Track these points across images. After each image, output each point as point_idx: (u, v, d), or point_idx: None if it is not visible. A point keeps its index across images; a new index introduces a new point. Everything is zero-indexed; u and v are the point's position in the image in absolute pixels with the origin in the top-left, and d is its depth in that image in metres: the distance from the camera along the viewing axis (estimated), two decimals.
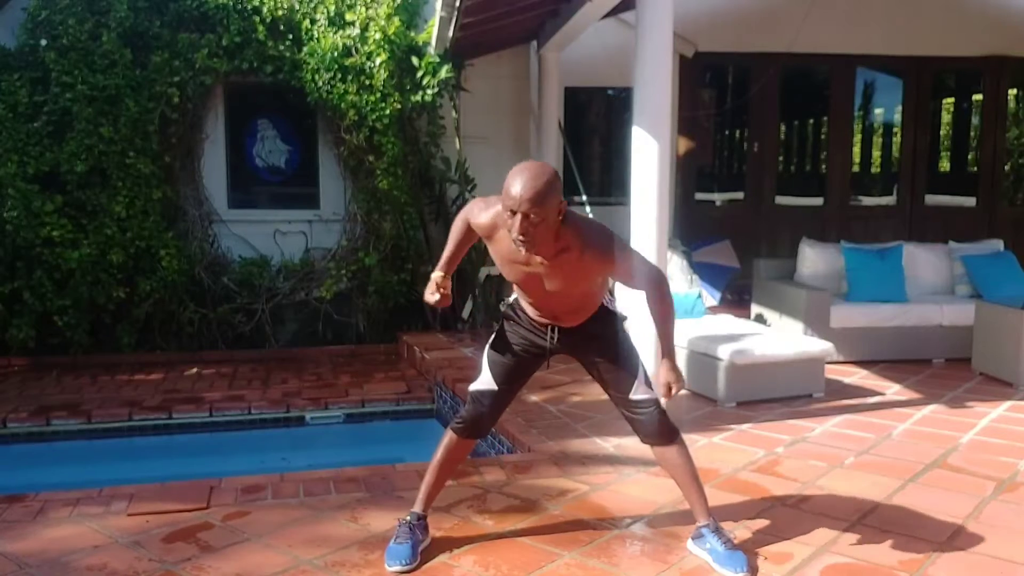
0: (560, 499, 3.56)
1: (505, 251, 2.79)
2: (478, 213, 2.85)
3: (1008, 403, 5.06)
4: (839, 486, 3.71)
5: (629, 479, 3.80)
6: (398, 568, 2.89)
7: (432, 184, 7.73)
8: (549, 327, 2.97)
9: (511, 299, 3.06)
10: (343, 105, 7.07)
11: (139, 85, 6.91)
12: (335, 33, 7.07)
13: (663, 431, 2.99)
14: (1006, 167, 9.84)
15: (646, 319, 2.93)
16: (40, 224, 6.70)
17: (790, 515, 3.39)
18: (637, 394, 2.96)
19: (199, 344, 7.34)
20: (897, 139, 9.69)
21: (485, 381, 3.05)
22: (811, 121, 10.11)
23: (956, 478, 3.81)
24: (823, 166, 9.60)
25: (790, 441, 4.33)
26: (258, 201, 7.89)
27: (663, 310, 2.85)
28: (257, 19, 7.12)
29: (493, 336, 3.09)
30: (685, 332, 5.28)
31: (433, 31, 6.77)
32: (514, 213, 2.55)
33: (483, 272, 7.48)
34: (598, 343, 2.99)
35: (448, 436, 3.11)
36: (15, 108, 6.72)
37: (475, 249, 7.56)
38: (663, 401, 2.95)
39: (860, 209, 9.62)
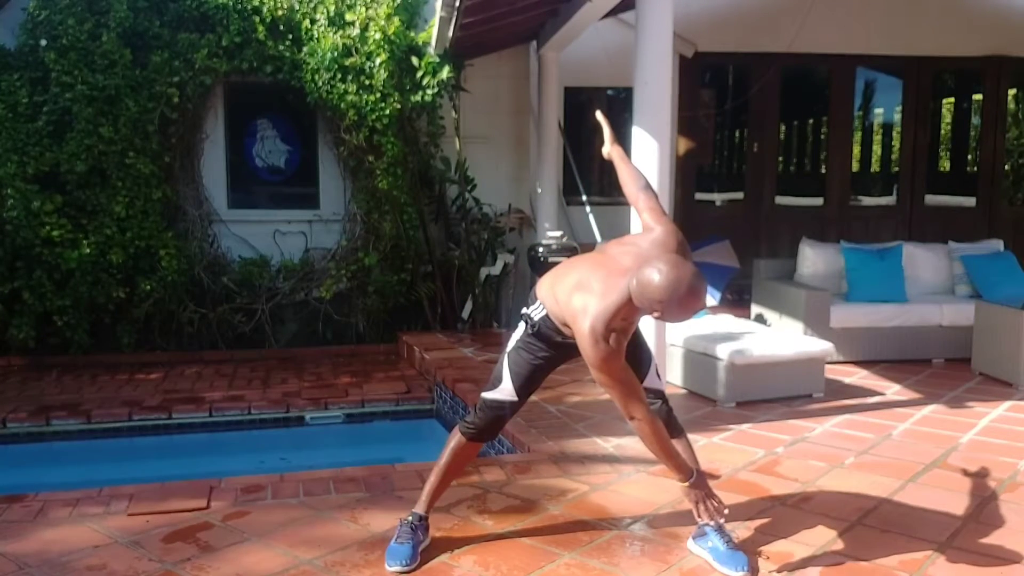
0: (560, 499, 3.57)
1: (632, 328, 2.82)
2: (613, 334, 2.66)
3: (1008, 403, 5.07)
4: (839, 486, 3.71)
5: (629, 479, 3.80)
6: (398, 568, 2.90)
7: (432, 184, 7.72)
8: None
9: (539, 314, 2.92)
10: (343, 105, 7.06)
11: (139, 85, 6.90)
12: (335, 33, 7.06)
13: (669, 425, 3.01)
14: (1006, 167, 9.84)
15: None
16: (40, 224, 6.69)
17: (790, 515, 3.39)
18: (648, 383, 3.02)
19: (199, 344, 7.34)
20: (897, 139, 9.70)
21: (506, 391, 3.01)
22: (811, 121, 10.10)
23: (956, 478, 3.81)
24: (823, 166, 9.59)
25: (790, 441, 4.34)
26: (258, 201, 7.88)
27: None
28: (257, 19, 7.11)
29: (516, 347, 3.00)
30: (684, 332, 5.29)
31: (433, 31, 6.77)
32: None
33: (483, 272, 7.48)
34: None
35: (456, 439, 3.11)
36: (15, 108, 6.71)
37: (475, 249, 7.61)
38: None
39: (860, 209, 9.62)
